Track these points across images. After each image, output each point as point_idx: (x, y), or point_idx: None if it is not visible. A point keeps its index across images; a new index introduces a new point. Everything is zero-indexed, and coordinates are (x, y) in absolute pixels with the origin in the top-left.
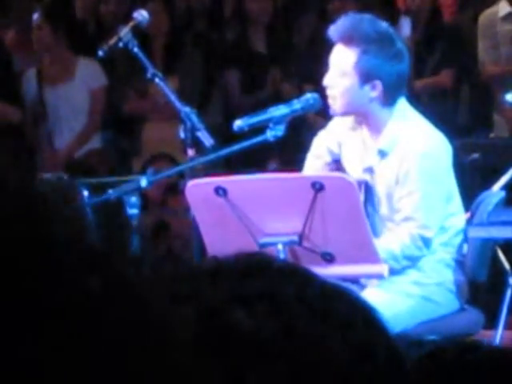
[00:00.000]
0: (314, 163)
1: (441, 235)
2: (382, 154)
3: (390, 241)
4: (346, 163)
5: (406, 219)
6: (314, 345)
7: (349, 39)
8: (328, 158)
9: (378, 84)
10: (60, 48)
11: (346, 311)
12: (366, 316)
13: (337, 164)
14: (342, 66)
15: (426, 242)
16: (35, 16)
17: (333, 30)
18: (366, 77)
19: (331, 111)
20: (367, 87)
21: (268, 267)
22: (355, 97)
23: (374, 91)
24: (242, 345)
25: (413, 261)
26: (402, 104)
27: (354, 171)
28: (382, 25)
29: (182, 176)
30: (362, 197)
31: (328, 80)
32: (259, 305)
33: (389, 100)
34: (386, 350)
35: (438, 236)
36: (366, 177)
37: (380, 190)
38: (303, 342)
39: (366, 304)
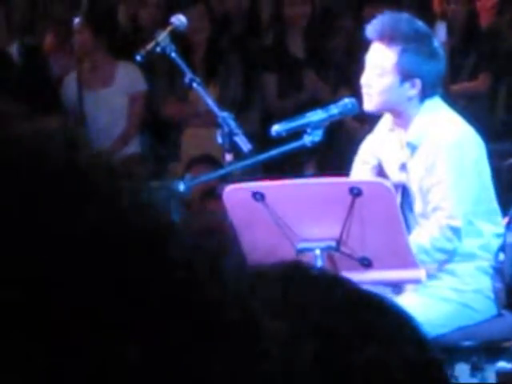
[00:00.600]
0: (362, 168)
1: (478, 238)
2: (412, 147)
3: (420, 235)
4: (385, 165)
5: (435, 209)
6: (349, 352)
7: (388, 38)
8: (374, 162)
9: (418, 82)
10: (100, 52)
11: (387, 323)
12: (407, 327)
13: (381, 166)
14: (381, 64)
15: (456, 232)
16: (76, 20)
17: (370, 29)
18: (406, 75)
19: (365, 107)
20: (407, 85)
21: (307, 276)
22: (394, 95)
23: (413, 89)
24: (277, 355)
25: (446, 253)
26: (435, 101)
27: (392, 172)
28: (419, 23)
29: (219, 180)
30: (398, 199)
31: (366, 79)
32: (296, 315)
33: (425, 98)
34: (424, 362)
35: (475, 239)
36: (402, 176)
37: (414, 186)
38: (341, 352)
39: (406, 314)
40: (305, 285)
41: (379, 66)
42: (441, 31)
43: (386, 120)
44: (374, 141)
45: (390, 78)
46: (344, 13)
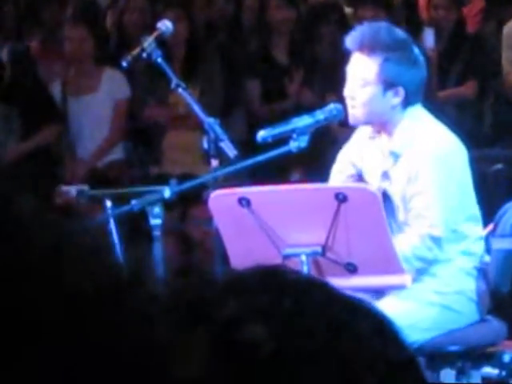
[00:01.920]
0: (337, 178)
1: (460, 243)
2: (395, 155)
3: (401, 243)
4: (365, 173)
5: (417, 217)
6: (331, 358)
7: (369, 49)
8: (352, 171)
9: (401, 90)
10: (89, 58)
11: (365, 327)
12: (385, 330)
13: (360, 177)
14: (363, 75)
15: (437, 241)
16: (67, 26)
17: (350, 40)
18: (389, 84)
19: (351, 120)
20: (390, 94)
21: (286, 280)
22: (378, 105)
23: (397, 97)
24: (256, 360)
25: (426, 262)
26: (417, 109)
27: (374, 180)
28: (399, 32)
29: (205, 187)
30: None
31: (349, 91)
32: (274, 319)
33: (408, 105)
34: (400, 366)
35: (456, 244)
36: (385, 183)
37: (396, 193)
38: (319, 355)
39: (386, 318)
40: (281, 290)
41: (361, 78)
42: (428, 37)
43: (365, 128)
44: (352, 149)
45: (373, 89)
46: (331, 18)
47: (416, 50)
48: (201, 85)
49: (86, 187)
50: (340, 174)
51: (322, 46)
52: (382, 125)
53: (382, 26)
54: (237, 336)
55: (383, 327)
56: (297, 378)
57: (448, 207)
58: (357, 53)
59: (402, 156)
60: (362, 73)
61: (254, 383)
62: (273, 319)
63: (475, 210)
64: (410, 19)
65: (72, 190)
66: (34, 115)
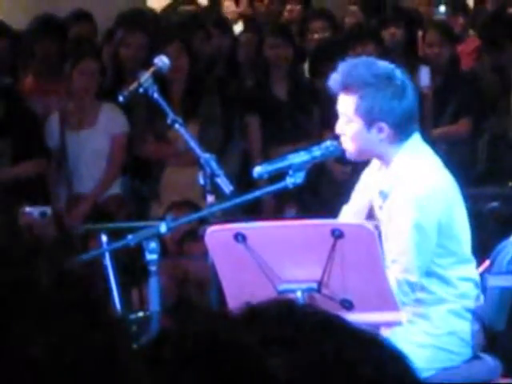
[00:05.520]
0: (358, 198)
1: (449, 286)
2: (384, 195)
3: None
4: (373, 204)
5: (393, 261)
6: None
7: (347, 87)
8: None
9: (384, 126)
10: (93, 93)
11: (379, 360)
12: (399, 365)
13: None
14: (346, 112)
15: (412, 287)
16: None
17: (332, 81)
18: (370, 120)
19: (347, 155)
20: (374, 130)
21: (301, 314)
22: (365, 141)
23: (382, 133)
24: None
25: (401, 305)
26: (414, 142)
27: (376, 211)
28: (379, 65)
29: (200, 222)
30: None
31: (338, 128)
32: (293, 350)
33: (400, 138)
34: None
35: (446, 287)
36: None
37: (382, 230)
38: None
39: (399, 352)
40: (300, 323)
41: (344, 114)
42: (424, 75)
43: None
44: (369, 175)
45: (357, 126)
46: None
47: (399, 81)
48: (201, 120)
49: (48, 208)
50: (362, 195)
51: (322, 82)
52: (380, 158)
53: (362, 61)
54: (254, 366)
55: (399, 356)
56: None
57: (421, 253)
58: (340, 92)
59: (389, 196)
60: (344, 110)
61: None
62: (292, 350)
63: (466, 250)
64: (409, 56)
65: (34, 211)
66: (23, 149)
